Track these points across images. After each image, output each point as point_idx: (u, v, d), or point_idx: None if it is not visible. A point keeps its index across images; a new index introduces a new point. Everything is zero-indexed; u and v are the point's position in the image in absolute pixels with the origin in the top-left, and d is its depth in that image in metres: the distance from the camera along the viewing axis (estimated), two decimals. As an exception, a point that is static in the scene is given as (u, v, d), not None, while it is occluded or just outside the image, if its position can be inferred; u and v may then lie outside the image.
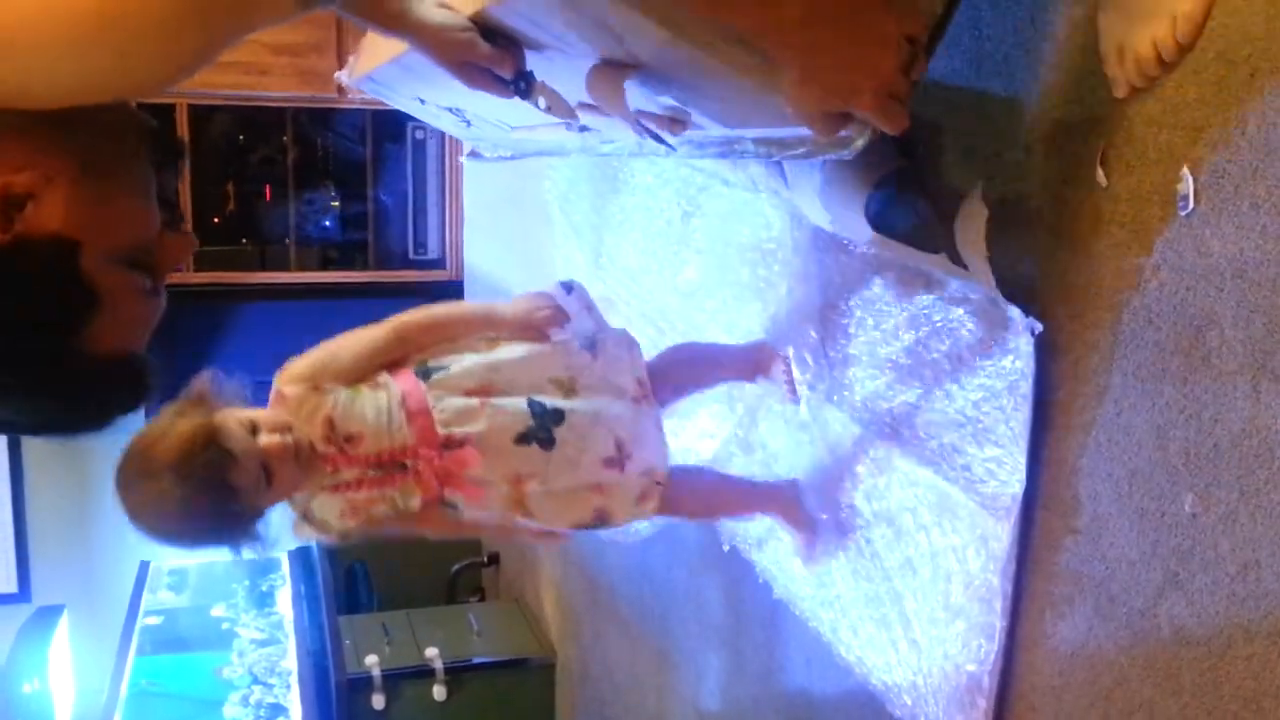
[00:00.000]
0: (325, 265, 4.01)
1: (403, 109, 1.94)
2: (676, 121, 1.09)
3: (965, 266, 1.10)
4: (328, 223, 4.03)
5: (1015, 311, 1.05)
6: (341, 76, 2.06)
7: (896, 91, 0.86)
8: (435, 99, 1.51)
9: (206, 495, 1.12)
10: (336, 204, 4.02)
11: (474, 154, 1.95)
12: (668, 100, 1.05)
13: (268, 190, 3.92)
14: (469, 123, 1.68)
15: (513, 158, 1.86)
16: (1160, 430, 0.92)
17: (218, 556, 1.24)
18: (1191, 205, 0.87)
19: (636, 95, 1.03)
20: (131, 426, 1.10)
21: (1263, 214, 0.82)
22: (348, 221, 4.04)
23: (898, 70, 0.85)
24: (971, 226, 1.08)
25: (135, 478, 1.14)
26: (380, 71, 1.53)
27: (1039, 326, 1.03)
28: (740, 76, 0.90)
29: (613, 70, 1.00)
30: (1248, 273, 0.83)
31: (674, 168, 1.85)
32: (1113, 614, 0.98)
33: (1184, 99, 0.88)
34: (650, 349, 2.03)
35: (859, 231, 1.28)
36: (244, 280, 3.84)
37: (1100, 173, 0.96)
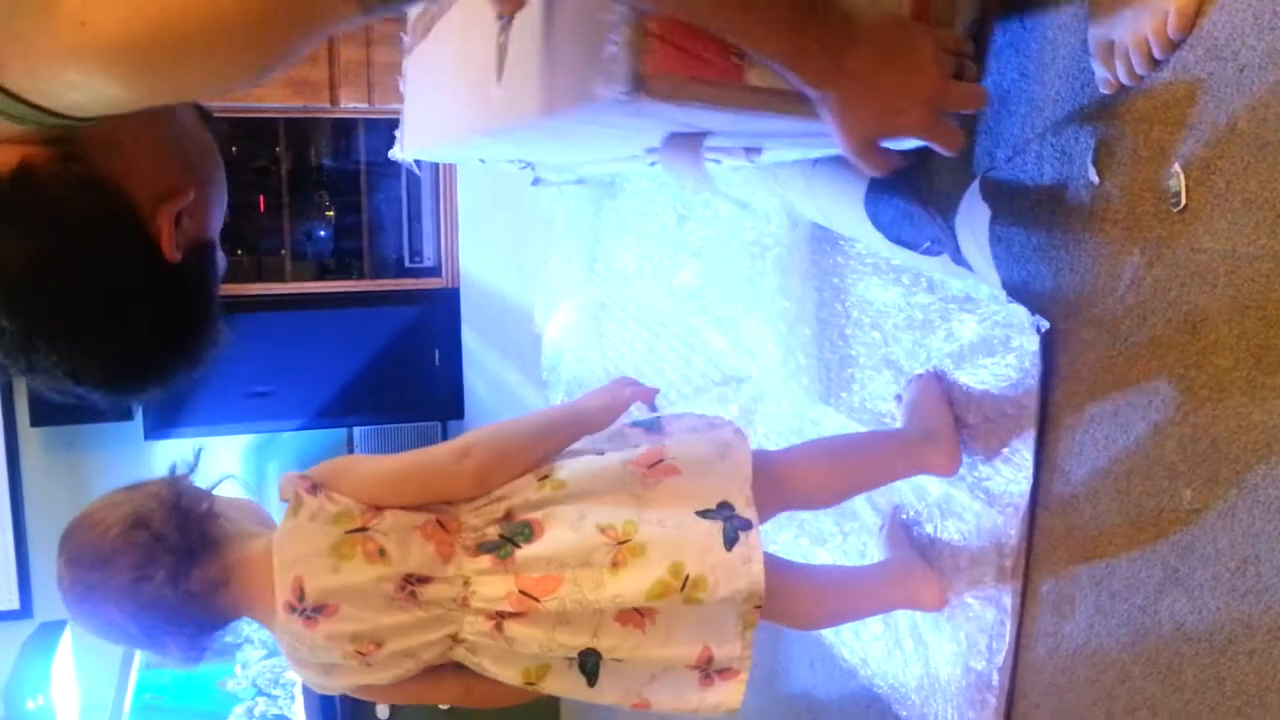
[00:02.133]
0: (321, 275, 4.01)
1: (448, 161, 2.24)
2: (751, 150, 1.12)
3: (966, 266, 1.10)
4: (322, 233, 4.03)
5: (1021, 310, 1.05)
6: (393, 154, 2.27)
7: (947, 101, 0.84)
8: (502, 155, 1.58)
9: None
10: (331, 214, 4.02)
11: (538, 180, 2.05)
12: (741, 142, 1.08)
13: (262, 201, 3.92)
14: (533, 166, 1.79)
15: (579, 182, 2.00)
16: (1157, 427, 0.92)
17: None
18: (1184, 202, 0.88)
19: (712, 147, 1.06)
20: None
21: (1255, 210, 0.82)
22: (343, 231, 4.04)
23: (941, 82, 0.84)
24: (973, 226, 1.08)
25: (72, 559, 0.98)
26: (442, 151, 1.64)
27: (1045, 324, 1.03)
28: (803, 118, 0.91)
29: (688, 139, 1.02)
30: (1241, 268, 0.83)
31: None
32: (1114, 611, 0.98)
33: (1175, 96, 0.88)
34: (645, 353, 2.04)
35: (858, 230, 1.28)
36: (240, 292, 3.84)
37: (1092, 170, 0.96)
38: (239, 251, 3.94)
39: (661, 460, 1.02)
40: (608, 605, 0.96)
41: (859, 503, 1.35)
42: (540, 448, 1.04)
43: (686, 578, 0.95)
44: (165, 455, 4.23)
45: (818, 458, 1.16)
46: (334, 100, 3.77)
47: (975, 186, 1.05)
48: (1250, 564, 0.84)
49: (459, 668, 1.02)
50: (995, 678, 1.12)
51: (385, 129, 3.69)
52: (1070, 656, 1.04)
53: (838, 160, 1.18)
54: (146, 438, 3.92)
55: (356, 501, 0.97)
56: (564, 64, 1.00)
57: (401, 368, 3.97)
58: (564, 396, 2.54)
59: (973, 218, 1.05)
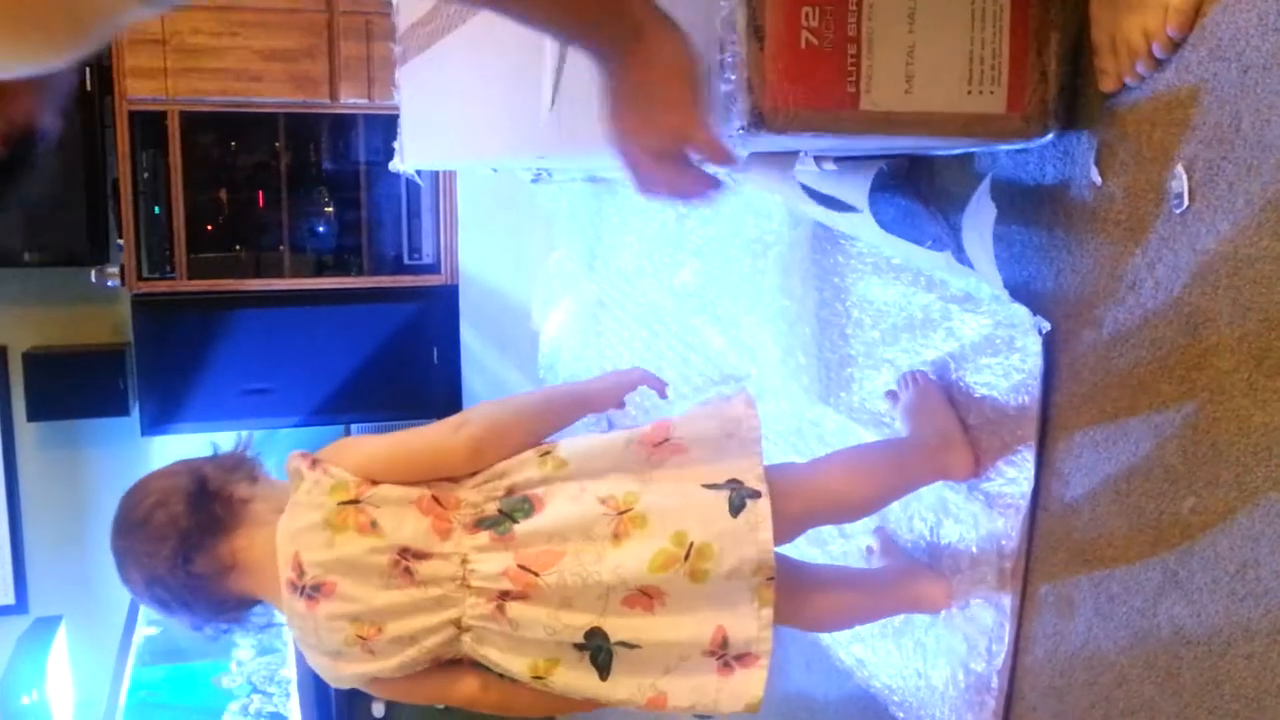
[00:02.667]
0: (319, 271, 4.00)
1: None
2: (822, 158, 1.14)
3: (969, 264, 1.10)
4: (321, 229, 4.02)
5: (1023, 310, 1.05)
6: (393, 166, 2.34)
7: (697, 138, 0.83)
8: (516, 165, 1.64)
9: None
10: (330, 210, 4.01)
11: (537, 177, 2.08)
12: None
13: (261, 197, 3.91)
14: (550, 173, 1.84)
15: (590, 179, 2.03)
16: (1157, 429, 0.92)
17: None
18: (1186, 203, 0.87)
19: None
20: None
21: (1257, 210, 0.81)
22: (342, 227, 4.04)
23: (697, 118, 0.82)
24: (979, 225, 1.07)
25: (116, 522, 1.03)
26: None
27: (1047, 325, 1.03)
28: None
29: (779, 157, 1.03)
30: (1243, 269, 0.83)
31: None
32: (1113, 614, 0.98)
33: (1177, 96, 0.88)
34: (644, 351, 2.04)
35: (859, 228, 1.28)
36: (238, 287, 3.84)
37: (1095, 171, 0.96)
38: (237, 247, 3.94)
39: (668, 439, 0.98)
40: (610, 578, 0.92)
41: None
42: (538, 423, 1.02)
43: (691, 545, 0.91)
44: (162, 451, 4.23)
45: (839, 470, 1.10)
46: (334, 96, 3.77)
47: (986, 185, 1.04)
48: (1250, 568, 0.83)
49: (478, 668, 0.99)
50: (994, 680, 1.12)
51: (385, 125, 3.69)
52: (1069, 659, 1.04)
53: (840, 159, 1.18)
54: (143, 433, 3.91)
55: (352, 475, 0.96)
56: None
57: (400, 364, 3.96)
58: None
59: (979, 217, 1.05)
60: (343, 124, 3.94)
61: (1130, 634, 0.96)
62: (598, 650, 0.94)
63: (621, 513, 0.94)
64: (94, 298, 3.96)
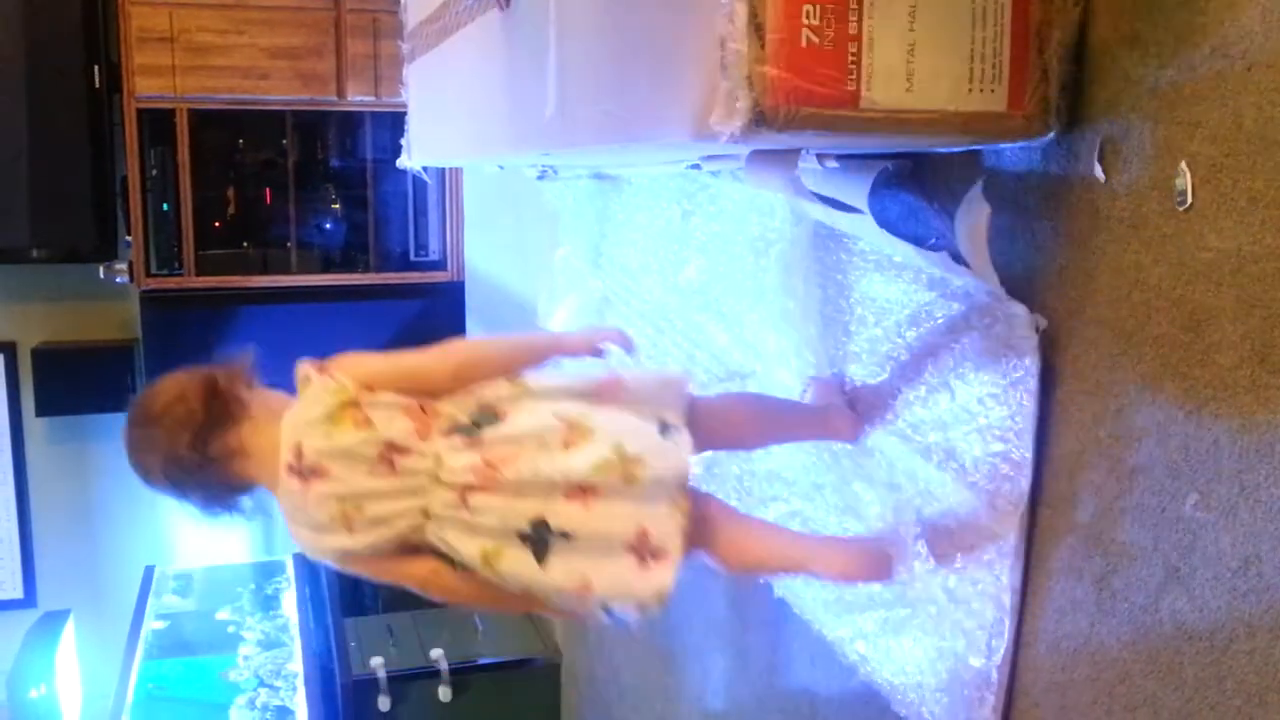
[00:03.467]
0: (326, 268, 4.01)
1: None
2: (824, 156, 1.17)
3: (966, 264, 1.10)
4: (328, 225, 4.03)
5: (1020, 308, 1.05)
6: (401, 163, 2.39)
7: None
8: (522, 162, 1.68)
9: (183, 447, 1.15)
10: (337, 206, 4.03)
11: (543, 174, 2.11)
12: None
13: (268, 194, 3.93)
14: (555, 170, 1.89)
15: (596, 176, 2.06)
16: (1160, 426, 0.92)
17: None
18: (1189, 200, 0.87)
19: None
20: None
21: (1261, 208, 0.81)
22: (349, 224, 4.05)
23: None
24: (973, 223, 1.08)
25: (133, 417, 1.20)
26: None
27: (1044, 322, 1.03)
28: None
29: (781, 154, 1.04)
30: (1246, 267, 0.83)
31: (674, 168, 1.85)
32: (1114, 609, 0.98)
33: (1181, 95, 0.88)
34: (649, 348, 2.04)
35: (859, 227, 1.28)
36: (245, 284, 3.85)
37: (1098, 168, 0.96)
38: (245, 244, 3.95)
39: (615, 383, 1.17)
40: (559, 477, 1.09)
41: (860, 501, 1.35)
42: (514, 357, 1.18)
43: (626, 455, 1.09)
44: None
45: (741, 406, 1.37)
46: (340, 93, 3.78)
47: (978, 186, 1.05)
48: (1252, 563, 0.84)
49: (436, 557, 1.14)
50: (994, 675, 1.12)
51: (391, 122, 3.69)
52: (1071, 655, 1.04)
53: (843, 156, 1.18)
54: (151, 429, 3.93)
55: (354, 381, 1.12)
56: (656, 95, 1.03)
57: (406, 361, 3.97)
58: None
59: (972, 215, 1.05)
60: (350, 121, 3.95)
61: (1132, 630, 0.96)
62: (539, 540, 1.09)
63: (572, 426, 1.11)
64: (102, 294, 3.98)
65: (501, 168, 1.95)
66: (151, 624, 3.40)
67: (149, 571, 3.69)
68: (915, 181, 1.21)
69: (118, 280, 3.78)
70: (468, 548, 1.11)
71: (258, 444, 1.15)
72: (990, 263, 1.07)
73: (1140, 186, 0.92)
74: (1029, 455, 1.06)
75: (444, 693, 2.89)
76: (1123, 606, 0.97)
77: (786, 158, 1.02)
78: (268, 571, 3.82)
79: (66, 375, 3.88)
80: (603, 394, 1.15)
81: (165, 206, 3.71)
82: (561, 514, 1.09)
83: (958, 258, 1.11)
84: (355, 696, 2.82)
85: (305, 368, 1.16)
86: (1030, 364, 1.05)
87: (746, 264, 1.62)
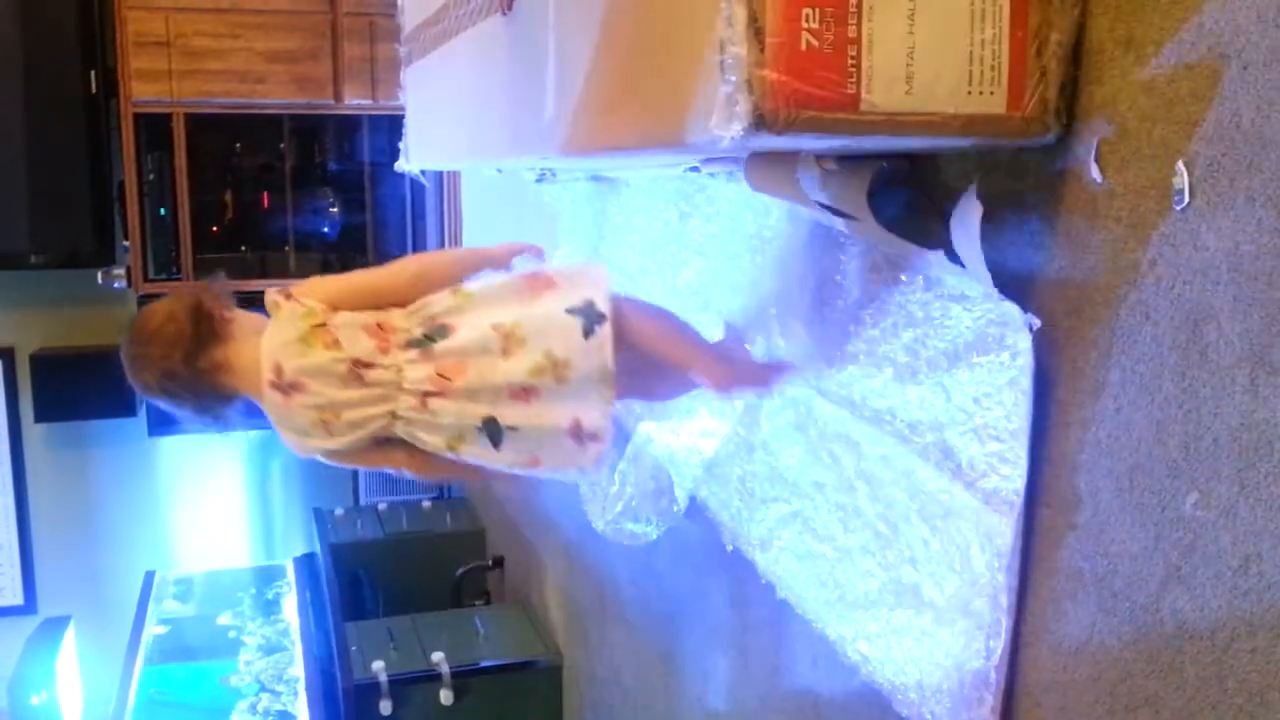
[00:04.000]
0: (325, 271, 3.99)
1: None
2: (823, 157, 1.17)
3: (959, 263, 1.11)
4: (326, 228, 4.03)
5: (1013, 308, 1.05)
6: (399, 167, 2.47)
7: None
8: (521, 165, 1.73)
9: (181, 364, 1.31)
10: (335, 210, 4.02)
11: (542, 177, 2.13)
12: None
13: (266, 198, 3.92)
14: (554, 173, 1.97)
15: (595, 179, 2.09)
16: (1159, 425, 0.92)
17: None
18: (1187, 200, 0.88)
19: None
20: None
21: (1258, 207, 0.82)
22: (347, 227, 4.05)
23: None
24: (966, 223, 1.08)
25: (130, 338, 1.36)
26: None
27: (1037, 322, 1.03)
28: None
29: (780, 156, 1.05)
30: (1244, 266, 0.83)
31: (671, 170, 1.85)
32: (1115, 609, 0.98)
33: (1178, 93, 0.88)
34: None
35: (857, 227, 1.28)
36: (244, 287, 3.84)
37: (1095, 168, 0.96)
38: (243, 248, 3.95)
39: (544, 277, 1.34)
40: (501, 381, 1.27)
41: (861, 500, 1.36)
42: (454, 269, 1.37)
43: (556, 359, 1.27)
44: (168, 452, 4.25)
45: (651, 318, 1.47)
46: (338, 96, 3.77)
47: (973, 186, 1.05)
48: (1253, 562, 0.84)
49: (406, 445, 1.33)
50: (993, 676, 1.12)
51: (389, 125, 3.70)
52: (1071, 654, 1.04)
53: (841, 157, 1.18)
54: (150, 434, 3.93)
55: (319, 303, 1.30)
56: (656, 99, 1.03)
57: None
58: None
59: (966, 216, 1.06)
60: (347, 125, 3.95)
61: (1133, 629, 0.96)
62: (493, 432, 1.29)
63: (507, 336, 1.28)
64: (100, 299, 3.98)
65: (500, 171, 1.96)
66: (152, 629, 3.40)
67: (149, 577, 3.68)
68: (912, 181, 1.22)
69: (116, 285, 3.78)
70: (433, 440, 1.31)
71: (241, 360, 1.31)
72: (984, 262, 1.07)
73: (1138, 186, 0.93)
74: (1024, 454, 1.06)
75: (445, 696, 2.89)
76: (1123, 606, 0.97)
77: (786, 160, 1.02)
78: (268, 576, 3.82)
79: (65, 381, 3.87)
80: (533, 286, 1.32)
81: (163, 211, 3.70)
82: (508, 413, 1.28)
83: (953, 257, 1.11)
84: (356, 701, 2.81)
85: (273, 295, 1.32)
86: (1024, 364, 1.05)
87: (744, 264, 1.63)
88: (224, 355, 1.31)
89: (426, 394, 1.28)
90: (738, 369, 1.48)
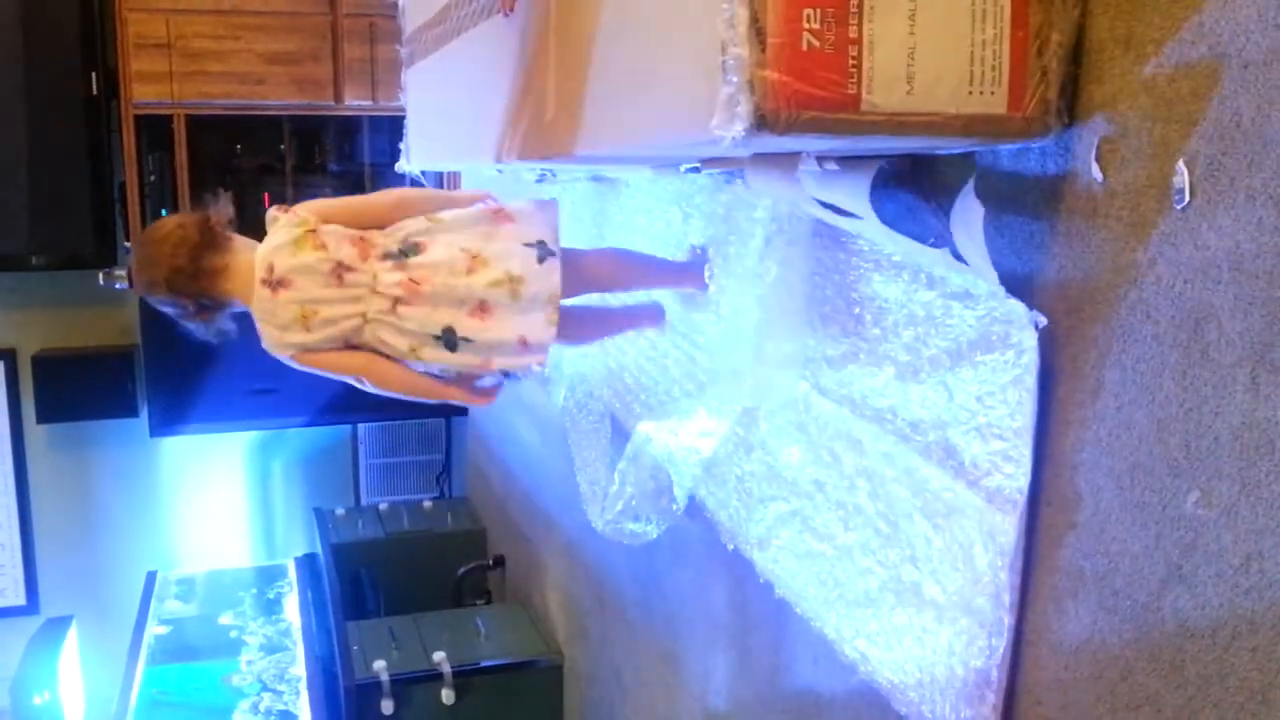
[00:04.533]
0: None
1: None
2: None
3: (964, 262, 1.11)
4: (327, 229, 4.02)
5: (1018, 305, 1.05)
6: (400, 167, 2.60)
7: None
8: (521, 166, 1.83)
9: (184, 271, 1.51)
10: (335, 210, 4.02)
11: (543, 178, 2.18)
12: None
13: (266, 199, 3.92)
14: (554, 173, 2.11)
15: (594, 179, 2.17)
16: (1160, 424, 0.92)
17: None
18: (1187, 198, 0.88)
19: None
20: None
21: (1258, 206, 0.82)
22: (347, 228, 4.04)
23: None
24: (968, 223, 1.08)
25: (142, 240, 1.61)
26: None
27: (1043, 320, 1.03)
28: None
29: (781, 157, 1.05)
30: (1244, 265, 0.83)
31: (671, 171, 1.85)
32: (1116, 608, 0.98)
33: (1179, 93, 0.88)
34: (648, 349, 2.04)
35: (860, 226, 1.29)
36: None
37: (1096, 167, 0.96)
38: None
39: (503, 211, 1.56)
40: (463, 292, 1.48)
41: (861, 498, 1.36)
42: (428, 203, 1.58)
43: (513, 275, 1.49)
44: (170, 452, 4.24)
45: (608, 257, 1.83)
46: (338, 98, 3.77)
47: (970, 185, 1.05)
48: (1253, 561, 0.84)
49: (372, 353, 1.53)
50: (994, 674, 1.12)
51: (389, 126, 3.69)
52: (1073, 653, 1.04)
53: (842, 157, 1.18)
54: (152, 435, 3.93)
55: (313, 215, 1.51)
56: (657, 100, 1.03)
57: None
58: (565, 393, 2.55)
59: (967, 215, 1.06)
60: (347, 126, 3.95)
61: (1135, 628, 0.96)
62: (449, 341, 1.49)
63: (474, 257, 1.50)
64: (102, 300, 3.98)
65: (500, 171, 1.97)
66: (154, 629, 3.40)
67: (151, 577, 3.69)
68: (913, 181, 1.22)
69: (117, 286, 3.75)
70: (397, 343, 1.50)
71: (238, 267, 1.51)
72: (989, 260, 1.07)
73: (1138, 185, 0.93)
74: (1028, 453, 1.06)
75: (447, 695, 2.89)
76: (1124, 604, 0.97)
77: (787, 161, 1.02)
78: (269, 576, 3.82)
79: (67, 382, 3.87)
80: (494, 219, 1.53)
81: (164, 212, 3.70)
82: (465, 325, 1.48)
83: (957, 256, 1.11)
84: (358, 700, 2.82)
85: (273, 211, 1.54)
86: (1029, 362, 1.05)
87: (745, 264, 1.63)
88: (224, 262, 1.51)
89: (396, 299, 1.48)
90: (693, 274, 1.75)
